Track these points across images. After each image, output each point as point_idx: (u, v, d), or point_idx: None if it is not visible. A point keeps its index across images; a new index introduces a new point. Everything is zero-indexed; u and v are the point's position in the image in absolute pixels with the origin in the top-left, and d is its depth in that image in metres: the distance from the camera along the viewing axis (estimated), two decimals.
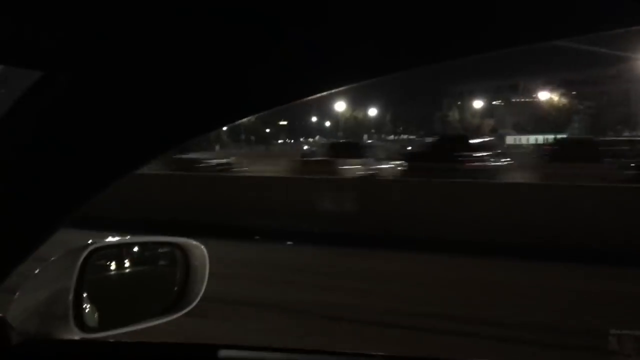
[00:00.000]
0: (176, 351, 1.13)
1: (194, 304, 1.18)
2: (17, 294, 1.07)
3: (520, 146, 38.16)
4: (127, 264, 1.22)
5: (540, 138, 41.62)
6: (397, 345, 4.09)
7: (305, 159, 19.58)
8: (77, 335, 1.02)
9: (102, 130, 0.82)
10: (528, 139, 47.13)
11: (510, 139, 46.30)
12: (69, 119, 0.83)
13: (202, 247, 1.20)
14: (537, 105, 54.46)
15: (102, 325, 1.10)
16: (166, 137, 0.84)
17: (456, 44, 0.67)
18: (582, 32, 0.65)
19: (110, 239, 1.16)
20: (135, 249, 1.25)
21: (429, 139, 23.43)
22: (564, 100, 52.10)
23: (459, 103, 62.87)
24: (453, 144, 17.01)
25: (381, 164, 17.60)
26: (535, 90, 55.56)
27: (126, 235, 1.24)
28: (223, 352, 1.06)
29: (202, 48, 0.74)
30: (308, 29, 0.70)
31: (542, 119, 50.87)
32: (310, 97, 0.78)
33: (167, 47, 0.74)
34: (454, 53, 0.69)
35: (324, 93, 0.78)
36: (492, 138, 25.53)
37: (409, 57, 0.71)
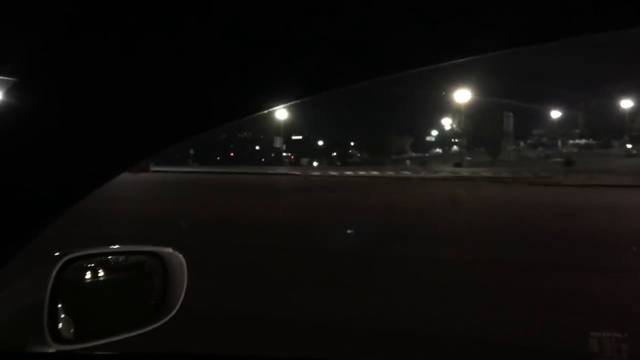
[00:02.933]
0: None
1: (172, 313, 1.17)
2: None
3: None
4: (103, 273, 1.20)
5: None
6: None
7: None
8: (52, 348, 1.00)
9: (83, 135, 0.81)
10: None
11: None
12: (45, 125, 0.82)
13: (180, 256, 1.19)
14: None
15: (78, 337, 1.08)
16: (150, 139, 0.83)
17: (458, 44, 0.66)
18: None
19: (86, 249, 1.14)
20: (112, 258, 1.24)
21: None
22: None
23: None
24: None
25: None
26: None
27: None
28: None
29: (188, 47, 0.72)
30: (309, 26, 0.68)
31: None
32: (310, 97, 0.77)
33: (154, 49, 0.73)
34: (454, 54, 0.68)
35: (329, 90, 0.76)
36: None
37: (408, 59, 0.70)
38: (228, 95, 0.77)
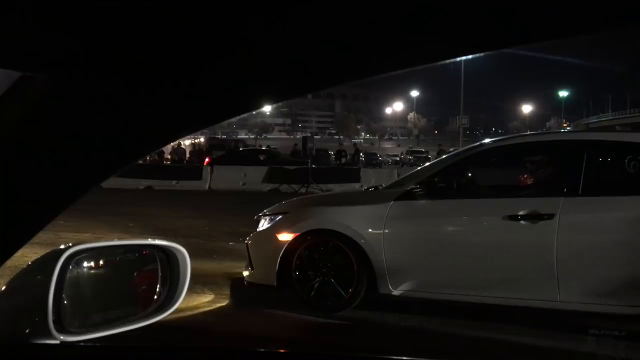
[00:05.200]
0: (159, 355, 1.14)
1: (176, 306, 1.18)
2: None
3: None
4: (108, 266, 1.21)
5: None
6: None
7: None
8: (56, 339, 1.01)
9: (86, 129, 0.81)
10: None
11: None
12: (49, 119, 0.82)
13: (184, 250, 1.21)
14: None
15: (82, 329, 1.09)
16: (150, 136, 0.83)
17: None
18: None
19: (90, 242, 1.16)
20: (117, 251, 1.25)
21: None
22: None
23: None
24: None
25: None
26: None
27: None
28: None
29: (191, 43, 0.71)
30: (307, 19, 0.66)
31: None
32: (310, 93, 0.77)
33: (152, 43, 0.72)
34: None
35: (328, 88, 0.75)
36: None
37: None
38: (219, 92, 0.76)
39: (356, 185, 17.17)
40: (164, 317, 1.17)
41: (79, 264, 1.11)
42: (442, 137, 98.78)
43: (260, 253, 5.27)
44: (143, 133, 0.82)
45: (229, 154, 26.98)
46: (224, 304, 5.32)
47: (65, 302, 1.06)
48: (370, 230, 4.82)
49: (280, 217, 5.28)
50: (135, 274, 1.27)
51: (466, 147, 6.20)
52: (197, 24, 0.69)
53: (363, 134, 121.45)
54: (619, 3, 0.57)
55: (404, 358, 1.38)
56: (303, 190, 17.53)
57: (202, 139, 53.60)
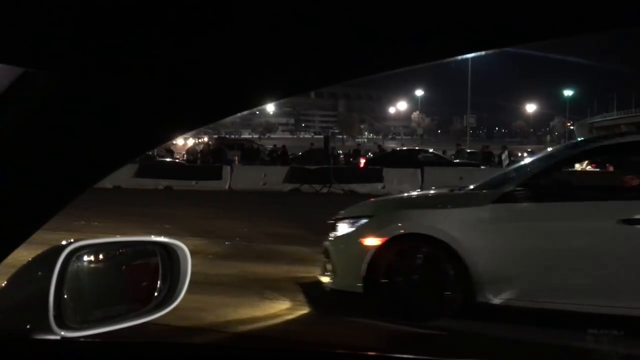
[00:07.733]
0: (158, 351, 1.13)
1: (176, 303, 1.18)
2: None
3: None
4: (108, 263, 1.21)
5: None
6: None
7: None
8: (57, 335, 1.02)
9: (86, 127, 0.81)
10: None
11: None
12: (50, 116, 0.82)
13: (185, 247, 1.21)
14: None
15: (83, 325, 1.10)
16: (151, 134, 0.83)
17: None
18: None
19: (91, 238, 1.15)
20: (118, 247, 1.26)
21: None
22: None
23: None
24: None
25: None
26: None
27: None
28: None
29: (192, 41, 0.72)
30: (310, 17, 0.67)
31: None
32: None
33: (155, 42, 0.73)
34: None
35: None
36: None
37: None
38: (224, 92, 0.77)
39: (379, 186, 16.88)
40: (164, 314, 1.17)
41: (80, 260, 1.12)
42: (446, 136, 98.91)
43: (344, 258, 5.01)
44: (145, 130, 0.81)
45: (383, 154, 24.56)
46: (305, 311, 5.03)
47: (66, 297, 1.07)
48: (466, 234, 4.54)
49: (363, 220, 5.01)
50: (136, 269, 1.28)
51: (563, 146, 5.94)
52: (199, 25, 0.69)
53: (366, 133, 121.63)
54: (619, 3, 0.58)
55: (407, 357, 1.32)
56: (325, 190, 17.30)
57: (205, 139, 53.75)
